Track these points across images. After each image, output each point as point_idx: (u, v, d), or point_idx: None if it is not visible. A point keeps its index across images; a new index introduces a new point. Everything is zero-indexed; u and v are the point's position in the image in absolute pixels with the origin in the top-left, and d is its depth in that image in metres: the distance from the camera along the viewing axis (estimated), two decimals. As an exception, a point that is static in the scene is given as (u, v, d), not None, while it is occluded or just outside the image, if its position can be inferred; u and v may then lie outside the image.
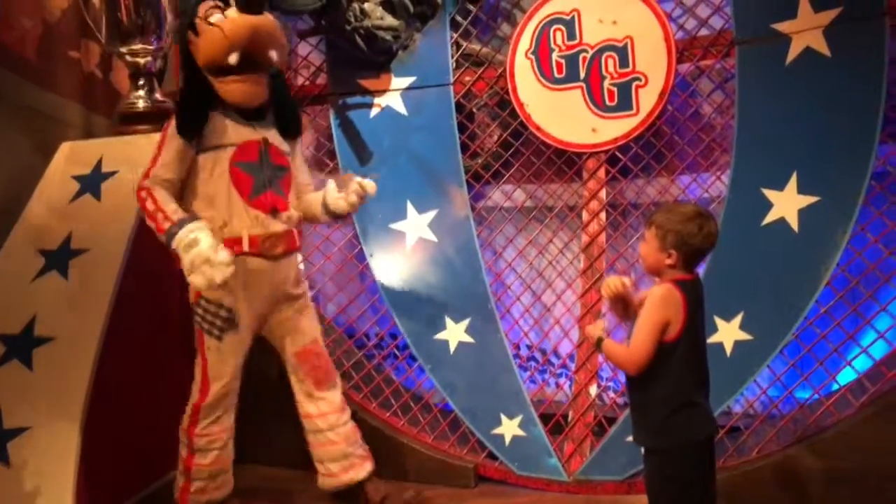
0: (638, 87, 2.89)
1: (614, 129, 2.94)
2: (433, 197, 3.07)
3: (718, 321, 2.73)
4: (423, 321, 3.17)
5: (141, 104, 3.41)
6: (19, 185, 3.11)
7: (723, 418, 2.71)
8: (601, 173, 3.00)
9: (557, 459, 2.91)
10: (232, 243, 2.49)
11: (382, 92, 3.22)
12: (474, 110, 3.29)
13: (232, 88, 2.50)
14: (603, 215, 3.01)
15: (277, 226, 2.58)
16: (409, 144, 3.17)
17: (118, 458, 2.82)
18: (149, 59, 3.42)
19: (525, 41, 3.03)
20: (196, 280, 2.32)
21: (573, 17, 2.95)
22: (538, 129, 3.04)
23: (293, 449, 2.85)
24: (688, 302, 1.95)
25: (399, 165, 3.18)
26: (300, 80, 3.43)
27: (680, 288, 1.96)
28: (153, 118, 3.37)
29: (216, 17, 2.46)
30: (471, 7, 3.15)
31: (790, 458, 2.57)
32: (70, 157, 3.15)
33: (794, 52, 2.67)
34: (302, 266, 2.84)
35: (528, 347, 3.22)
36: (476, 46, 3.22)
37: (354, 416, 2.82)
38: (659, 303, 1.94)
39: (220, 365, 2.59)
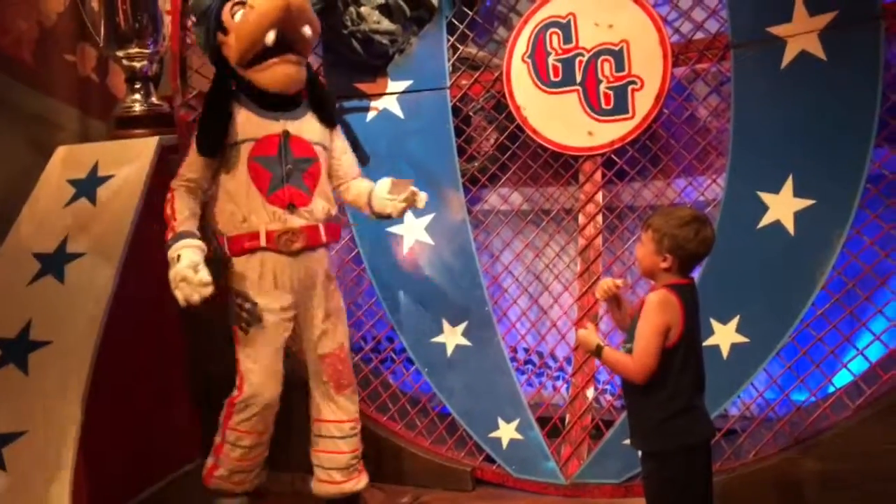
0: (634, 90, 2.89)
1: (610, 132, 2.94)
2: (430, 200, 3.05)
3: (715, 324, 2.73)
4: (420, 325, 3.17)
5: (137, 108, 3.41)
6: (15, 189, 3.11)
7: (719, 421, 2.71)
8: (597, 176, 3.01)
9: (555, 463, 2.91)
10: (250, 238, 2.54)
11: (379, 95, 3.22)
12: (471, 114, 3.29)
13: (271, 73, 2.50)
14: (599, 218, 3.01)
15: (296, 221, 2.56)
16: (405, 148, 3.17)
17: (115, 462, 2.82)
18: (145, 62, 3.42)
19: (521, 45, 3.04)
20: (177, 295, 2.37)
21: (569, 20, 2.96)
22: (535, 132, 3.05)
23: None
24: (685, 306, 1.96)
25: (396, 169, 3.16)
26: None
27: (676, 293, 1.97)
28: (149, 122, 3.37)
29: (241, 13, 2.47)
30: (467, 11, 3.16)
31: (787, 461, 2.57)
32: (66, 161, 3.15)
33: (789, 55, 2.67)
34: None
35: (525, 351, 3.22)
36: (472, 50, 3.22)
37: (351, 420, 2.81)
38: (658, 308, 1.94)
39: (249, 360, 2.59)
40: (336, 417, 2.73)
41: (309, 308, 2.67)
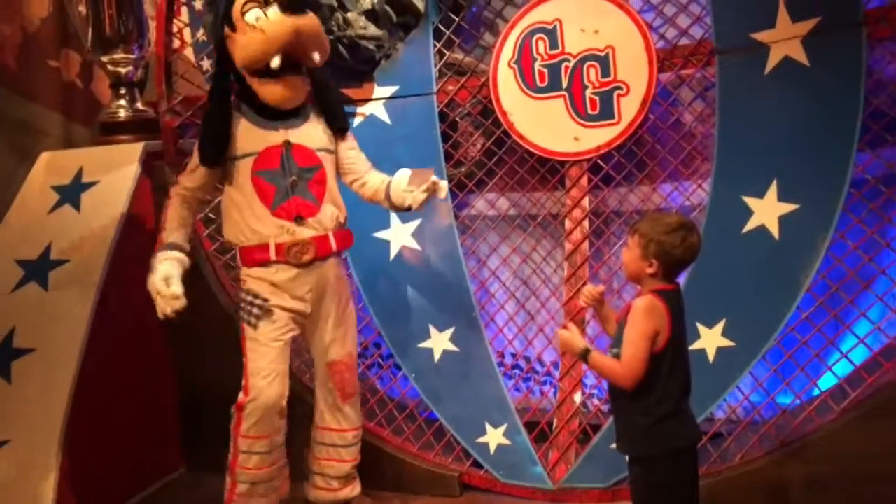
0: (619, 95, 2.90)
1: (596, 137, 2.95)
2: (405, 213, 3.05)
3: (701, 328, 2.74)
4: (408, 330, 3.16)
5: (122, 114, 3.40)
6: (-2, 196, 3.09)
7: (706, 425, 2.72)
8: (584, 181, 3.02)
9: (542, 467, 2.91)
10: (260, 251, 2.52)
11: (365, 101, 3.21)
12: (457, 119, 3.30)
13: (271, 90, 2.47)
14: (586, 223, 3.02)
15: (305, 232, 2.52)
16: (392, 153, 3.16)
17: (99, 471, 2.79)
18: (130, 68, 3.41)
19: (508, 50, 3.04)
20: (156, 304, 2.41)
21: (555, 26, 2.97)
22: (521, 137, 3.05)
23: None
24: (671, 312, 1.96)
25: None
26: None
27: (662, 298, 1.97)
28: (134, 128, 3.35)
29: (253, 14, 2.41)
30: (453, 16, 3.16)
31: (773, 464, 2.58)
32: (49, 168, 3.13)
33: (773, 61, 2.69)
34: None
35: (513, 356, 3.23)
36: (459, 55, 3.22)
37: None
38: (645, 314, 1.95)
39: (258, 358, 2.54)
40: (339, 426, 2.72)
41: (320, 315, 2.64)
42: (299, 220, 2.51)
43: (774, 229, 2.70)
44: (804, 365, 2.68)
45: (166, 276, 2.42)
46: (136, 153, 3.07)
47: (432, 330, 3.12)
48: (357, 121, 3.22)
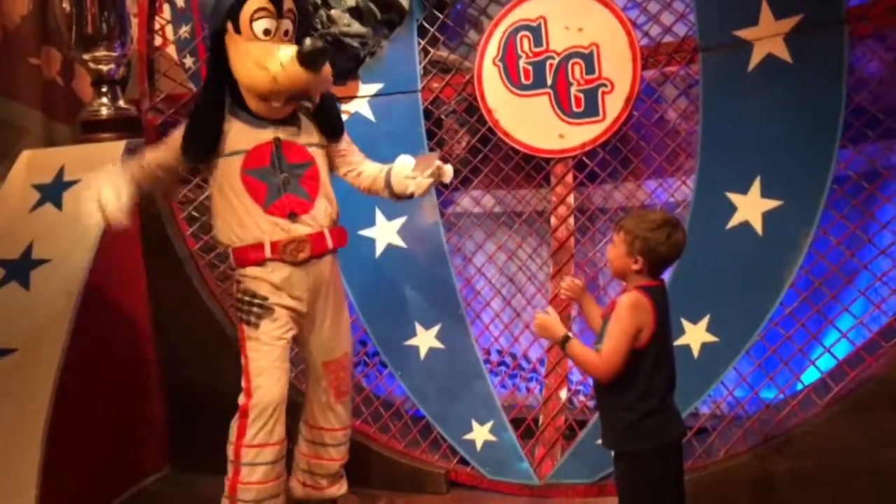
0: (604, 93, 2.91)
1: (581, 134, 2.96)
2: (402, 203, 3.05)
3: (685, 323, 2.76)
4: (393, 328, 3.16)
5: (104, 112, 3.37)
6: (-22, 195, 3.05)
7: (690, 419, 2.74)
8: (569, 178, 3.02)
9: (528, 464, 2.92)
10: (255, 250, 2.45)
11: (350, 99, 3.20)
12: (442, 117, 3.29)
13: (261, 106, 2.42)
14: (571, 220, 3.03)
15: (300, 229, 2.46)
16: (377, 151, 3.14)
17: (81, 472, 2.77)
18: (112, 65, 3.38)
19: (492, 48, 3.04)
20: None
21: (539, 24, 2.97)
22: (506, 135, 3.05)
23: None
24: (656, 308, 1.97)
25: (367, 172, 3.16)
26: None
27: (647, 294, 1.98)
28: (116, 126, 3.33)
29: (262, 24, 2.35)
30: (438, 14, 3.16)
31: (757, 459, 2.60)
32: (30, 166, 3.10)
33: (756, 58, 2.71)
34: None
35: (499, 352, 3.23)
36: (443, 53, 3.22)
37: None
38: (630, 310, 1.95)
39: (261, 357, 2.45)
40: (331, 426, 2.70)
41: (316, 314, 2.58)
42: (293, 216, 2.45)
43: (758, 225, 2.72)
44: (787, 360, 2.70)
45: (118, 192, 2.38)
46: (119, 151, 3.05)
47: (418, 327, 3.12)
48: (342, 118, 3.20)
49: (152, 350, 3.22)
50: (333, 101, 2.70)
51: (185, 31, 3.41)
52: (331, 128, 2.61)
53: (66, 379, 2.65)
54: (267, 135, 2.46)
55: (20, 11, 3.59)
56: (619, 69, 2.89)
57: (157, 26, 3.23)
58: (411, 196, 2.56)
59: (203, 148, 2.46)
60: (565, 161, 3.02)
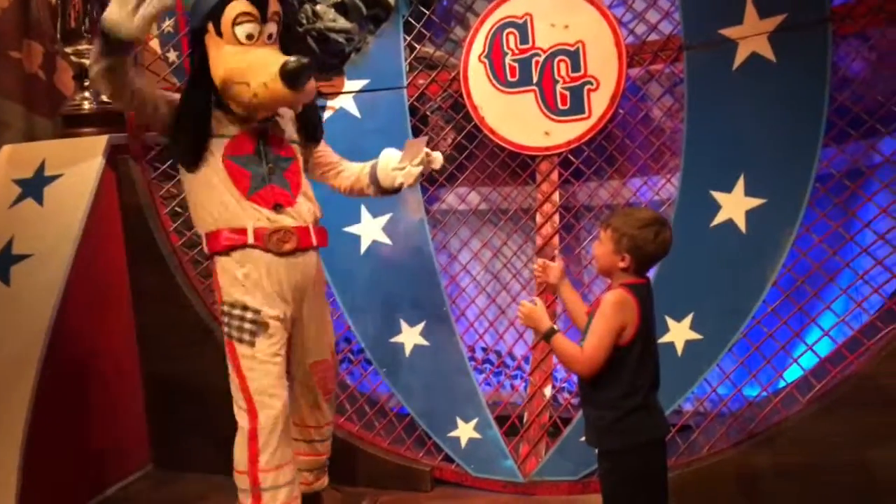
0: (590, 90, 2.92)
1: (567, 132, 2.96)
2: (387, 200, 3.04)
3: (669, 321, 2.77)
4: (378, 325, 3.15)
5: (86, 106, 3.34)
6: (-43, 189, 3.01)
7: (674, 417, 2.75)
8: (554, 176, 3.03)
9: (513, 461, 2.92)
10: (236, 233, 2.30)
11: (335, 94, 3.19)
12: (428, 113, 3.29)
13: (241, 112, 2.31)
14: (556, 217, 3.03)
15: (286, 220, 2.34)
16: (362, 147, 3.13)
17: (63, 470, 2.75)
18: (94, 59, 3.34)
19: (478, 45, 3.04)
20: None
21: (525, 21, 2.97)
22: (492, 132, 3.05)
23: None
24: (641, 306, 1.97)
25: (353, 168, 3.15)
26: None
27: (633, 292, 1.98)
28: (99, 120, 3.30)
29: (244, 29, 2.25)
30: (424, 10, 3.15)
31: (740, 455, 2.62)
32: (11, 161, 3.07)
33: (740, 57, 2.72)
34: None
35: (484, 350, 3.23)
36: (429, 49, 3.21)
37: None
38: (615, 308, 1.96)
39: (261, 376, 2.30)
40: (317, 423, 2.68)
41: (303, 315, 2.48)
42: (278, 208, 2.33)
43: (742, 223, 2.73)
44: (770, 357, 2.72)
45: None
46: (101, 146, 3.02)
47: (403, 324, 3.12)
48: (327, 114, 3.20)
49: (134, 346, 3.20)
50: (316, 107, 2.65)
51: (168, 25, 3.38)
52: (312, 131, 2.57)
53: (46, 375, 2.63)
54: (252, 123, 2.36)
55: (1, 5, 3.54)
56: (604, 67, 2.89)
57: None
58: (400, 188, 2.51)
59: (197, 153, 2.32)
60: (551, 158, 3.02)
